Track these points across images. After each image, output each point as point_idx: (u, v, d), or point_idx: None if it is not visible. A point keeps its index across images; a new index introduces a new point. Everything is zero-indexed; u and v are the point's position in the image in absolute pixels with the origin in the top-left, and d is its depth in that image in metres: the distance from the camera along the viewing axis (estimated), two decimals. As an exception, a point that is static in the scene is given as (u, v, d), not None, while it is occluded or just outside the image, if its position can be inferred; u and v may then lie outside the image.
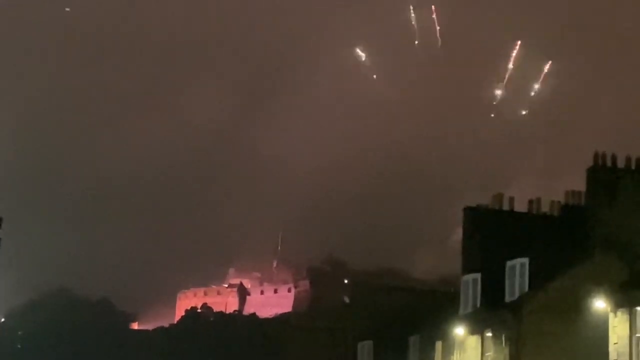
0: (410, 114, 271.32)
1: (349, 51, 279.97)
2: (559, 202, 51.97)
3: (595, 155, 45.75)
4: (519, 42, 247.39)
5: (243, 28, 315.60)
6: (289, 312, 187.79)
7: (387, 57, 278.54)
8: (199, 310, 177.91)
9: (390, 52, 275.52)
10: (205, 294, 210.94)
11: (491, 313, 47.98)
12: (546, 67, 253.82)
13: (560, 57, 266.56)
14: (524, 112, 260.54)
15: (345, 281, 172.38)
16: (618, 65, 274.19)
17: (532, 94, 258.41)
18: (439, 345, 51.77)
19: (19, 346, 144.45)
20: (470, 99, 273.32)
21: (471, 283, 50.35)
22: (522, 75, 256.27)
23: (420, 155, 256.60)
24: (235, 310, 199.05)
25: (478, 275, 49.87)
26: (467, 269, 51.19)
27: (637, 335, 39.87)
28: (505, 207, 52.37)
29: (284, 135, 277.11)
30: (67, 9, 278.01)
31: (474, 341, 48.86)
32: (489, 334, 47.79)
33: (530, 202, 52.42)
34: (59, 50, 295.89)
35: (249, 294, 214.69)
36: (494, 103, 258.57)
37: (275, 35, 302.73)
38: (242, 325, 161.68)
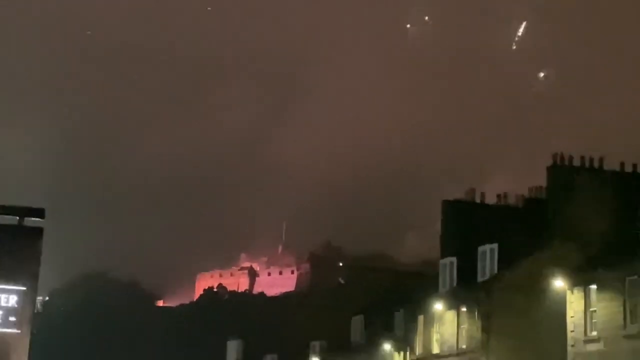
0: (406, 120, 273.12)
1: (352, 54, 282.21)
2: (523, 195, 52.03)
3: (554, 155, 45.83)
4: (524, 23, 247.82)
5: (258, 43, 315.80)
6: (292, 291, 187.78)
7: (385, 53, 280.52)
8: (215, 290, 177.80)
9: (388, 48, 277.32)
10: (221, 275, 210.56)
11: (466, 291, 48.05)
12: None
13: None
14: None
15: (341, 264, 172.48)
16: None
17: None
18: (421, 319, 51.80)
19: (61, 321, 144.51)
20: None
21: (448, 266, 50.42)
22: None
23: (409, 155, 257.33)
24: (246, 290, 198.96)
25: (454, 259, 49.94)
26: (444, 254, 51.28)
27: (591, 309, 39.98)
28: (478, 200, 52.48)
29: (290, 142, 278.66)
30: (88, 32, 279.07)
31: (451, 315, 48.92)
32: (464, 309, 47.84)
33: (499, 195, 52.52)
34: (110, 67, 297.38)
35: (257, 276, 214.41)
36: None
37: (287, 44, 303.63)
38: (252, 302, 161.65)
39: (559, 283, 41.38)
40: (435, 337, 50.31)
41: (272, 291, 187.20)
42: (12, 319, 15.27)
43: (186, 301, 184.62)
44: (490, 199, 52.48)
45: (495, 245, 46.99)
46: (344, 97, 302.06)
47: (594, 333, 39.53)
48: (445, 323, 49.32)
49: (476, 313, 46.42)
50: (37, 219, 15.57)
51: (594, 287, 39.84)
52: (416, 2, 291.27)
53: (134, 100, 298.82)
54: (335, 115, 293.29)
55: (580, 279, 40.64)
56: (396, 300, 57.40)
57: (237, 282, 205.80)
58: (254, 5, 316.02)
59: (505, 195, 52.31)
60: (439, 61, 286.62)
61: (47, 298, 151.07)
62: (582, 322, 40.15)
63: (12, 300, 15.41)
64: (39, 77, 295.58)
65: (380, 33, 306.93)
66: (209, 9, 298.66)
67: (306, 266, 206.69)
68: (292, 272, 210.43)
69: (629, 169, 45.89)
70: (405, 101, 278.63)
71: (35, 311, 15.16)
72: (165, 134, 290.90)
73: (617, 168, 45.93)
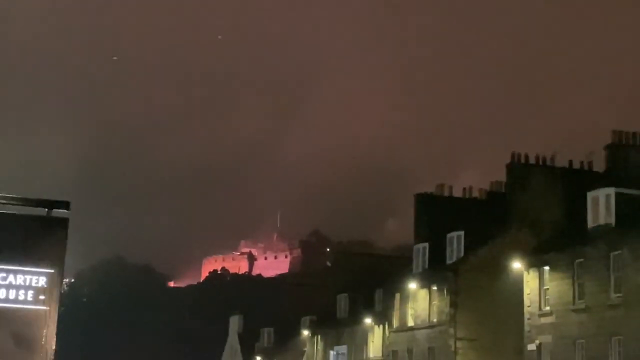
0: (389, 125, 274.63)
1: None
2: (485, 189, 52.11)
3: (513, 154, 45.90)
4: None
5: (271, 57, 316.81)
6: (286, 273, 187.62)
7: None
8: (219, 272, 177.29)
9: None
10: (224, 259, 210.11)
11: (436, 272, 48.09)
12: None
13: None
14: None
15: (328, 249, 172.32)
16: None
17: None
18: (397, 296, 51.85)
19: (85, 300, 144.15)
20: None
21: (421, 250, 50.46)
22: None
23: (389, 155, 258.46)
24: (245, 272, 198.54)
25: (426, 244, 49.97)
26: (418, 240, 51.31)
27: (544, 287, 40.10)
28: (446, 193, 52.50)
29: (287, 145, 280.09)
30: (114, 58, 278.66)
31: (423, 293, 48.98)
32: (435, 288, 47.90)
33: (464, 189, 52.58)
34: (136, 80, 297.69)
35: (256, 260, 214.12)
36: None
37: (292, 64, 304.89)
38: (251, 283, 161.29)
39: (516, 265, 41.48)
40: (410, 312, 50.36)
41: (268, 273, 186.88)
42: (41, 297, 15.17)
43: (194, 282, 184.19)
44: (457, 192, 52.58)
45: (461, 232, 47.07)
46: (336, 107, 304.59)
47: (547, 308, 39.64)
48: (419, 300, 49.37)
49: (445, 291, 46.48)
50: (64, 210, 15.48)
51: (547, 268, 39.96)
52: (401, 22, 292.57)
53: (153, 110, 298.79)
54: (328, 123, 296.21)
55: (535, 261, 40.77)
56: (376, 280, 57.44)
57: (238, 266, 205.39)
58: (264, 28, 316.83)
59: (470, 189, 52.42)
60: (420, 71, 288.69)
61: (72, 279, 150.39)
62: (537, 298, 40.27)
63: (42, 281, 15.29)
64: (68, 85, 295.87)
65: (369, 52, 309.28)
66: (219, 37, 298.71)
67: (298, 251, 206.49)
68: (286, 257, 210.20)
69: (576, 165, 46.06)
70: (389, 109, 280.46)
71: (62, 291, 15.15)
72: (178, 138, 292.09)
73: (566, 165, 46.09)
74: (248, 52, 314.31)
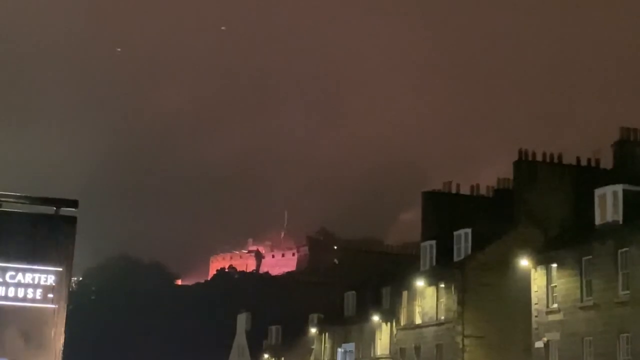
0: (406, 127, 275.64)
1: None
2: (492, 186, 52.03)
3: (520, 151, 45.81)
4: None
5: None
6: (293, 271, 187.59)
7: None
8: (226, 270, 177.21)
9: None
10: (231, 257, 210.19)
11: (444, 270, 48.04)
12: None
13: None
14: None
15: (335, 247, 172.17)
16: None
17: None
18: (405, 294, 51.81)
19: (93, 298, 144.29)
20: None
21: (428, 247, 50.41)
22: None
23: (403, 155, 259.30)
24: (253, 270, 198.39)
25: (434, 242, 49.93)
26: (425, 237, 51.26)
27: (552, 285, 40.02)
28: (454, 191, 52.43)
29: (295, 145, 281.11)
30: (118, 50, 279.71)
31: (431, 291, 48.92)
32: (442, 285, 47.84)
33: (472, 186, 52.50)
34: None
35: (263, 257, 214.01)
36: None
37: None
38: (258, 281, 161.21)
39: (524, 262, 41.40)
40: (417, 309, 50.32)
41: (275, 271, 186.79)
42: (50, 295, 15.19)
43: (201, 280, 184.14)
44: (465, 190, 52.52)
45: (469, 230, 47.00)
46: (346, 108, 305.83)
47: (555, 305, 39.57)
48: (426, 297, 49.32)
49: (453, 289, 46.42)
50: (72, 209, 15.49)
51: (554, 265, 39.87)
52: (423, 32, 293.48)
53: (162, 110, 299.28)
54: (338, 123, 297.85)
55: (542, 259, 40.68)
56: (383, 277, 57.40)
57: (246, 263, 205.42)
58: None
59: (478, 186, 52.34)
60: (439, 79, 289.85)
61: (81, 278, 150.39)
62: (545, 296, 40.18)
63: (50, 279, 15.30)
64: (79, 83, 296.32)
65: (385, 53, 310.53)
66: (222, 28, 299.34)
67: (305, 249, 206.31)
68: (293, 255, 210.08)
69: (584, 162, 45.92)
70: (404, 109, 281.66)
71: (71, 289, 15.18)
72: (187, 138, 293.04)
73: (574, 162, 45.97)
74: (249, 50, 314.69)
